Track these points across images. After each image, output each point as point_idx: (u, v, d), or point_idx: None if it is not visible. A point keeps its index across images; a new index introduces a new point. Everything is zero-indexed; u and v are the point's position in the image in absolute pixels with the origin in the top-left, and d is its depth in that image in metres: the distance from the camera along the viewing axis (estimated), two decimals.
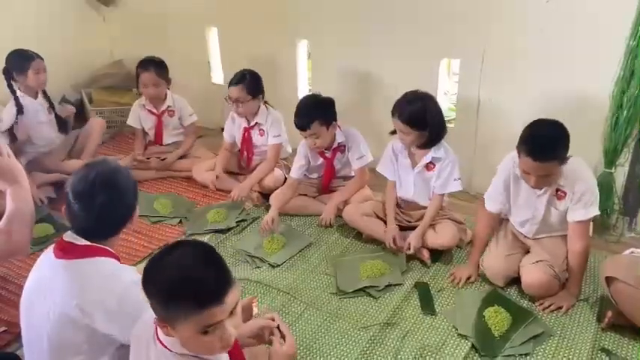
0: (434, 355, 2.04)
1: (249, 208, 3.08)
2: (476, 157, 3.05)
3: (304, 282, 2.47)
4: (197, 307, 1.16)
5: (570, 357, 2.02)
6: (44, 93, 3.28)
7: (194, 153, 3.53)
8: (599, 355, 2.02)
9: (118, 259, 1.62)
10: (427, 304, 2.29)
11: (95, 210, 1.53)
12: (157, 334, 1.31)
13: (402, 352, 2.06)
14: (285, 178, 3.09)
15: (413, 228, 2.60)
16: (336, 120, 2.79)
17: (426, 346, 2.08)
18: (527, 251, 2.37)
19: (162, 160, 3.45)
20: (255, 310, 1.95)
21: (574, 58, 2.61)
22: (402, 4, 3.03)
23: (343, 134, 2.85)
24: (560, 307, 2.22)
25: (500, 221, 2.46)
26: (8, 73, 3.12)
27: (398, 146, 2.65)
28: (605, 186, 2.65)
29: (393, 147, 2.67)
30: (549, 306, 2.23)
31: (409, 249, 2.52)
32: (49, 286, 1.55)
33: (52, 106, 3.31)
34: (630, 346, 2.04)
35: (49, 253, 1.61)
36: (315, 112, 2.73)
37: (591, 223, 2.26)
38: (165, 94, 3.45)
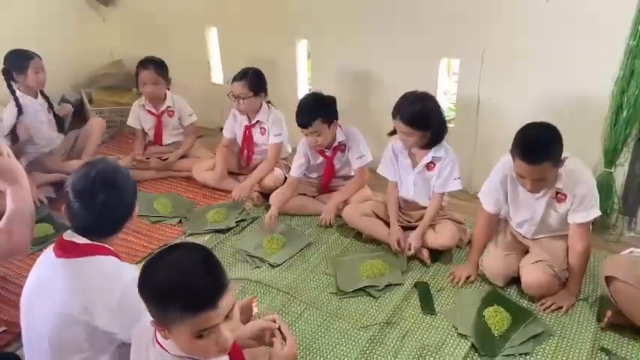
0: (434, 355, 2.04)
1: (249, 208, 3.08)
2: (475, 156, 3.05)
3: (304, 282, 2.47)
4: (191, 311, 1.16)
5: (570, 356, 2.02)
6: (42, 93, 3.28)
7: (194, 153, 3.53)
8: (598, 355, 2.02)
9: (118, 257, 1.62)
10: (427, 304, 2.29)
11: (96, 208, 1.53)
12: (155, 335, 1.31)
13: (401, 352, 2.06)
14: (285, 178, 3.09)
15: (413, 228, 2.60)
16: (337, 118, 2.79)
17: (425, 346, 2.08)
18: (527, 251, 2.37)
19: (163, 160, 3.45)
20: (255, 310, 1.96)
21: (574, 58, 2.61)
22: (401, 4, 3.03)
23: (344, 133, 2.85)
24: (561, 307, 2.22)
25: (499, 221, 2.46)
26: (8, 74, 3.12)
27: (398, 146, 2.65)
28: (605, 185, 2.65)
29: (393, 147, 2.68)
30: (550, 306, 2.23)
31: (409, 249, 2.52)
32: (49, 285, 1.55)
33: (50, 105, 3.31)
34: (630, 346, 2.04)
35: (48, 252, 1.61)
36: (318, 109, 2.73)
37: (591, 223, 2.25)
38: (165, 95, 3.46)
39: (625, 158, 2.63)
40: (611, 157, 2.63)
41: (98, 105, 4.15)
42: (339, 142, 2.86)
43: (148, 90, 3.36)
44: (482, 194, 2.38)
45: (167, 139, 3.54)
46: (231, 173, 3.33)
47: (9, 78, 3.12)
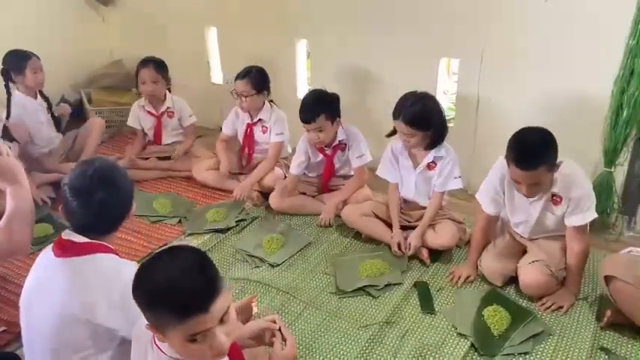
0: (433, 354, 2.04)
1: (249, 207, 3.08)
2: (475, 156, 3.05)
3: (304, 281, 2.47)
4: (181, 315, 1.15)
5: (569, 356, 2.02)
6: (42, 93, 3.28)
7: (194, 153, 3.53)
8: (598, 354, 2.02)
9: (117, 254, 1.62)
10: (426, 303, 2.29)
11: (94, 206, 1.53)
12: (154, 337, 1.31)
13: (401, 351, 2.06)
14: (285, 178, 3.10)
15: (413, 227, 2.60)
16: (340, 116, 2.80)
17: (425, 345, 2.08)
18: (525, 251, 2.37)
19: (163, 158, 3.45)
20: (254, 310, 1.96)
21: (574, 58, 2.61)
22: (401, 4, 3.03)
23: (344, 132, 2.86)
24: (561, 307, 2.22)
25: (497, 221, 2.46)
26: (7, 74, 3.12)
27: (398, 147, 2.65)
28: (605, 185, 2.66)
29: (393, 148, 2.67)
30: (550, 306, 2.23)
31: (409, 249, 2.52)
32: (49, 285, 1.55)
33: (49, 106, 3.32)
34: (629, 345, 2.04)
35: (47, 252, 1.61)
36: (322, 106, 2.75)
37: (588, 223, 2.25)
38: (165, 95, 3.46)
39: (625, 158, 2.64)
40: (611, 156, 2.63)
41: (98, 105, 4.15)
42: (339, 141, 2.87)
43: (148, 89, 3.36)
44: (481, 196, 2.37)
45: (167, 139, 3.54)
46: (231, 173, 3.33)
47: (7, 78, 3.12)
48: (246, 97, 3.06)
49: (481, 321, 2.16)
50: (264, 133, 3.19)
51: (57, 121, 3.39)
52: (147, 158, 3.46)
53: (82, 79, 4.31)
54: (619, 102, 2.52)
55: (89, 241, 1.57)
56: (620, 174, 2.68)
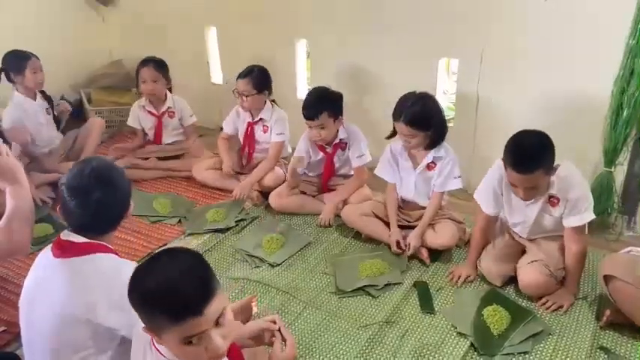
0: (433, 354, 2.04)
1: (249, 207, 3.08)
2: (474, 156, 3.05)
3: (303, 281, 2.47)
4: (174, 318, 1.15)
5: (569, 355, 2.02)
6: (43, 93, 3.28)
7: (194, 153, 3.53)
8: (597, 354, 2.02)
9: (117, 254, 1.62)
10: (426, 303, 2.30)
11: (91, 206, 1.53)
12: (152, 339, 1.31)
13: (401, 351, 2.06)
14: (286, 178, 3.10)
15: (412, 227, 2.60)
16: (342, 115, 2.80)
17: (425, 345, 2.08)
18: (524, 251, 2.37)
19: (163, 158, 3.45)
20: (254, 310, 1.96)
21: (574, 58, 2.61)
22: (401, 4, 3.03)
23: (345, 131, 2.87)
24: (561, 307, 2.22)
25: (497, 221, 2.46)
26: (6, 75, 3.12)
27: (397, 148, 2.65)
28: (606, 185, 2.66)
29: (392, 149, 2.67)
30: (551, 305, 2.23)
31: (408, 249, 2.52)
32: (48, 285, 1.55)
33: (51, 105, 3.32)
34: (629, 345, 2.04)
35: (46, 252, 1.60)
36: (325, 103, 2.75)
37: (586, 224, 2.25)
38: (166, 95, 3.46)
39: (624, 157, 2.64)
40: (611, 156, 2.63)
41: (97, 105, 4.15)
42: (340, 139, 2.87)
43: (148, 87, 3.36)
44: (480, 197, 2.37)
45: (167, 138, 3.54)
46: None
47: (7, 79, 3.12)
48: (247, 96, 3.06)
49: (481, 320, 2.16)
50: (264, 132, 3.19)
51: (57, 120, 3.39)
52: (147, 158, 3.46)
53: (82, 79, 4.31)
54: (619, 102, 2.52)
55: (88, 241, 1.57)
56: (620, 174, 2.68)
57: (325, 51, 3.45)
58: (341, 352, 2.06)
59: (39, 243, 2.61)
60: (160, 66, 3.35)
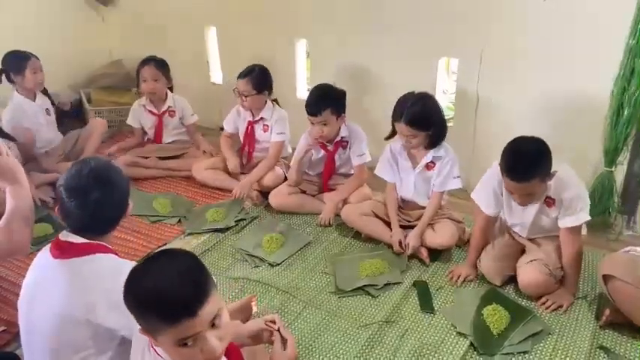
0: (433, 353, 2.04)
1: (249, 207, 3.08)
2: (474, 156, 3.05)
3: (303, 281, 2.47)
4: (168, 320, 1.14)
5: (569, 355, 2.02)
6: (45, 92, 3.28)
7: (194, 153, 3.53)
8: (597, 353, 2.02)
9: (116, 254, 1.62)
10: (426, 303, 2.30)
11: (90, 206, 1.53)
12: (151, 340, 1.31)
13: (400, 351, 2.06)
14: (285, 177, 3.10)
15: (412, 227, 2.60)
16: (345, 112, 2.81)
17: (424, 344, 2.08)
18: (524, 250, 2.37)
19: (163, 158, 3.45)
20: (254, 309, 1.96)
21: (574, 58, 2.61)
22: (401, 4, 3.03)
23: (347, 129, 2.87)
24: (561, 306, 2.22)
25: (496, 221, 2.46)
26: (6, 75, 3.13)
27: (397, 148, 2.65)
28: (606, 185, 2.65)
29: (392, 149, 2.67)
30: (550, 305, 2.23)
31: (407, 249, 2.52)
32: (48, 286, 1.55)
33: (53, 103, 3.33)
34: (629, 344, 2.04)
35: (45, 252, 1.60)
36: (329, 100, 2.76)
37: (584, 224, 2.25)
38: (166, 94, 3.46)
39: (624, 157, 2.64)
40: (611, 156, 2.63)
41: (97, 105, 4.15)
42: (341, 138, 2.88)
43: (149, 86, 3.36)
44: (480, 197, 2.36)
45: (167, 138, 3.55)
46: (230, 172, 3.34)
47: (7, 80, 3.12)
48: (247, 96, 3.07)
49: (480, 320, 2.16)
50: (265, 131, 3.19)
51: (59, 116, 3.40)
52: (147, 157, 3.46)
53: (82, 79, 4.31)
54: (619, 102, 2.52)
55: (87, 241, 1.56)
56: (620, 173, 2.68)
57: (325, 51, 3.45)
58: (341, 351, 2.06)
59: (39, 243, 2.60)
60: (160, 65, 3.36)
